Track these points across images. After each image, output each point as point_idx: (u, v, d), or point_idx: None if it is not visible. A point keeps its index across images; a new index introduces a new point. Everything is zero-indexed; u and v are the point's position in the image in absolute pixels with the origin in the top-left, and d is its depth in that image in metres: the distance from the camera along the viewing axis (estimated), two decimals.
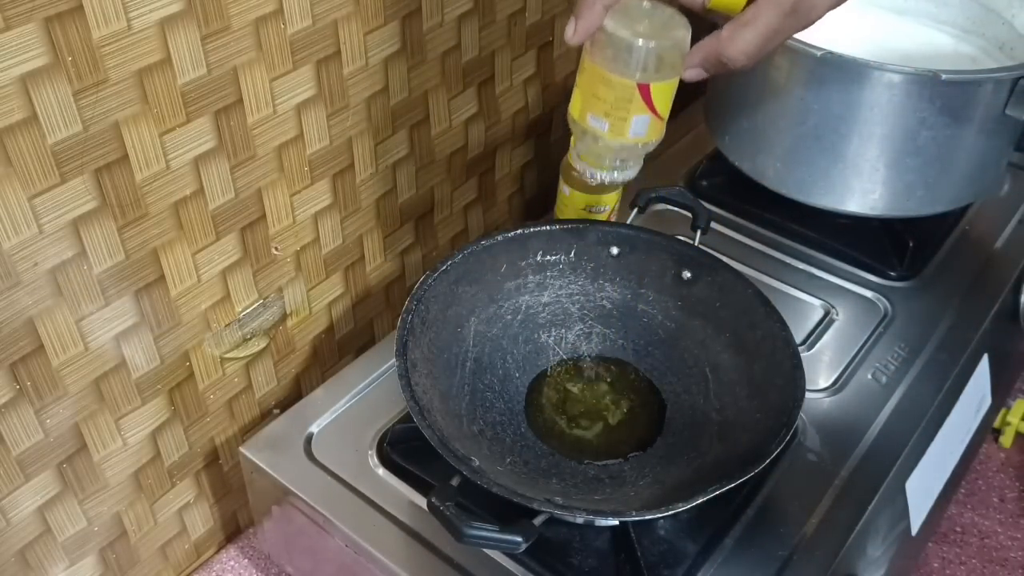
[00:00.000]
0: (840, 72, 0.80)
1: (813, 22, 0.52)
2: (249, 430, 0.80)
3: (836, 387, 0.78)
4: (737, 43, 0.52)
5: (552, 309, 0.77)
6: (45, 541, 0.67)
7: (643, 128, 0.58)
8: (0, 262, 0.56)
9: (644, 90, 0.56)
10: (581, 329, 0.77)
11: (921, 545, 0.86)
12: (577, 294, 0.77)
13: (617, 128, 0.59)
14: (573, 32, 0.55)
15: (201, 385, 0.74)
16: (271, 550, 0.80)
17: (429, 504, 0.59)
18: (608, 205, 0.87)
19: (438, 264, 0.72)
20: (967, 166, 0.85)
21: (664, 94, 0.57)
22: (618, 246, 0.77)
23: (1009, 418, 0.96)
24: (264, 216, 0.72)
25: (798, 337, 0.76)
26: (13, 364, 0.60)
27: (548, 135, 1.00)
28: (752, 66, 0.53)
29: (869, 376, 0.79)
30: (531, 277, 0.76)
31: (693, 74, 0.55)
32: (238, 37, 0.63)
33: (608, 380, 0.75)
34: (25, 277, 0.58)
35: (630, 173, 0.62)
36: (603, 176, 0.62)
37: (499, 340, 0.74)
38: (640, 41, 0.54)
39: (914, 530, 0.77)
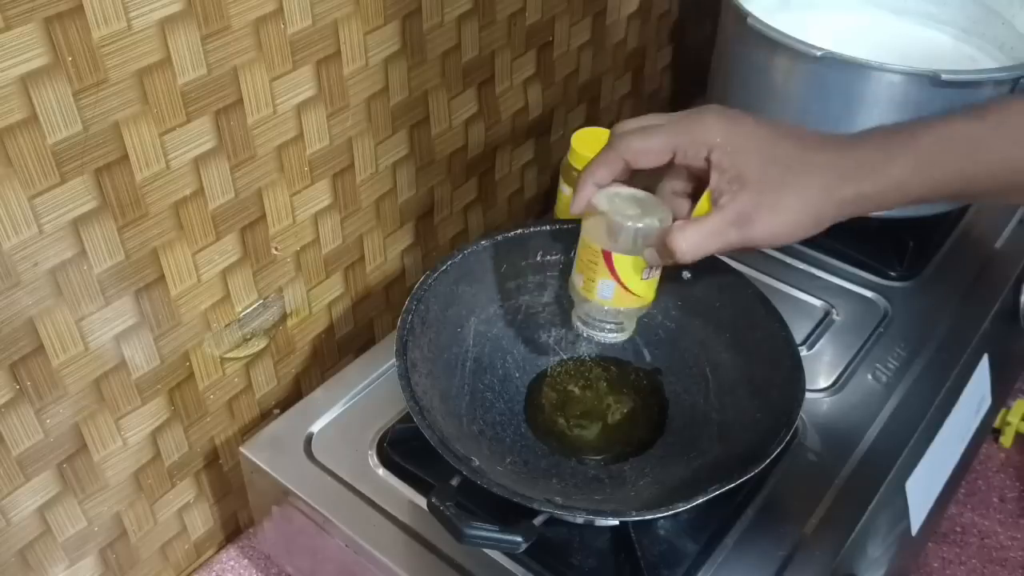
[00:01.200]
0: (840, 72, 0.80)
1: (755, 240, 0.57)
2: (249, 430, 0.80)
3: (836, 387, 0.78)
4: (684, 236, 0.57)
5: (552, 309, 0.77)
6: (45, 541, 0.67)
7: (609, 293, 0.63)
8: (0, 262, 0.56)
9: (607, 256, 0.61)
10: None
11: (921, 545, 0.86)
12: None
13: (588, 288, 0.64)
14: (573, 203, 0.61)
15: (201, 385, 0.74)
16: (271, 550, 0.80)
17: (429, 504, 0.59)
18: None
19: (438, 264, 0.72)
20: None
21: (626, 266, 0.61)
22: None
23: (1009, 418, 0.96)
24: (264, 216, 0.72)
25: (798, 337, 0.76)
26: (13, 364, 0.60)
27: (548, 135, 1.00)
28: (692, 260, 0.58)
29: (869, 376, 0.79)
30: (531, 277, 0.76)
31: (648, 255, 0.60)
32: (238, 37, 0.63)
33: (608, 380, 0.75)
34: (25, 277, 0.58)
35: (621, 336, 0.66)
36: (592, 334, 0.66)
37: (499, 340, 0.74)
38: (609, 215, 0.60)
39: (914, 530, 0.77)
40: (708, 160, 0.57)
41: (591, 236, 0.62)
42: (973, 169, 0.56)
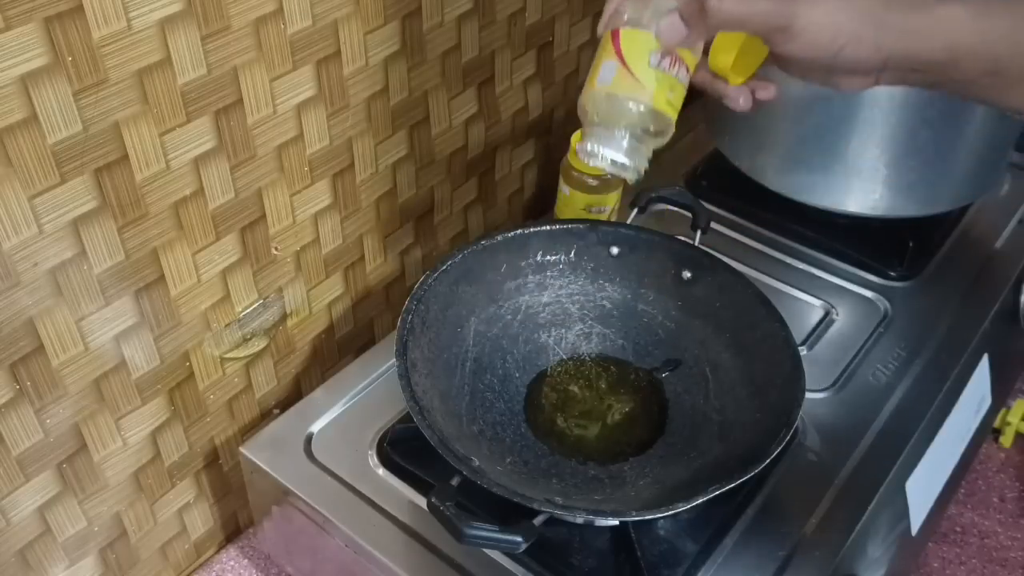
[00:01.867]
0: None
1: (790, 31, 0.51)
2: (249, 430, 0.80)
3: (836, 387, 0.78)
4: (727, 2, 0.51)
5: (552, 309, 0.77)
6: (45, 541, 0.67)
7: (609, 75, 0.55)
8: (0, 262, 0.56)
9: (615, 34, 0.55)
10: (581, 329, 0.77)
11: (921, 545, 0.86)
12: (577, 294, 0.77)
13: (591, 78, 0.56)
14: None
15: (201, 385, 0.74)
16: (271, 550, 0.80)
17: (429, 504, 0.59)
18: (608, 205, 0.87)
19: (438, 264, 0.72)
20: (967, 166, 0.85)
21: (633, 43, 0.54)
22: (618, 246, 0.77)
23: (1009, 418, 0.96)
24: (264, 216, 0.72)
25: (798, 337, 0.76)
26: (13, 364, 0.60)
27: (548, 135, 1.00)
28: (719, 25, 0.52)
29: (869, 376, 0.79)
30: (531, 277, 0.76)
31: (663, 26, 0.54)
32: (238, 37, 0.63)
33: (608, 380, 0.75)
34: (25, 277, 0.58)
35: (624, 155, 0.57)
36: (590, 145, 0.57)
37: (499, 340, 0.74)
38: None
39: (914, 530, 0.77)
40: None
41: (606, 15, 0.56)
42: None
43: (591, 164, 0.57)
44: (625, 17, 0.55)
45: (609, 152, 0.56)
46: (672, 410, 0.72)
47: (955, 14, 0.52)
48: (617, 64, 0.55)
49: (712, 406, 0.71)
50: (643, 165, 0.57)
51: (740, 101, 0.58)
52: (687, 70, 0.56)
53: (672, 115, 0.56)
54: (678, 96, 0.56)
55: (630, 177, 0.58)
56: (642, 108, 0.55)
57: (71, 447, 0.66)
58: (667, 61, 0.55)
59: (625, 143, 0.56)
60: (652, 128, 0.56)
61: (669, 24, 0.53)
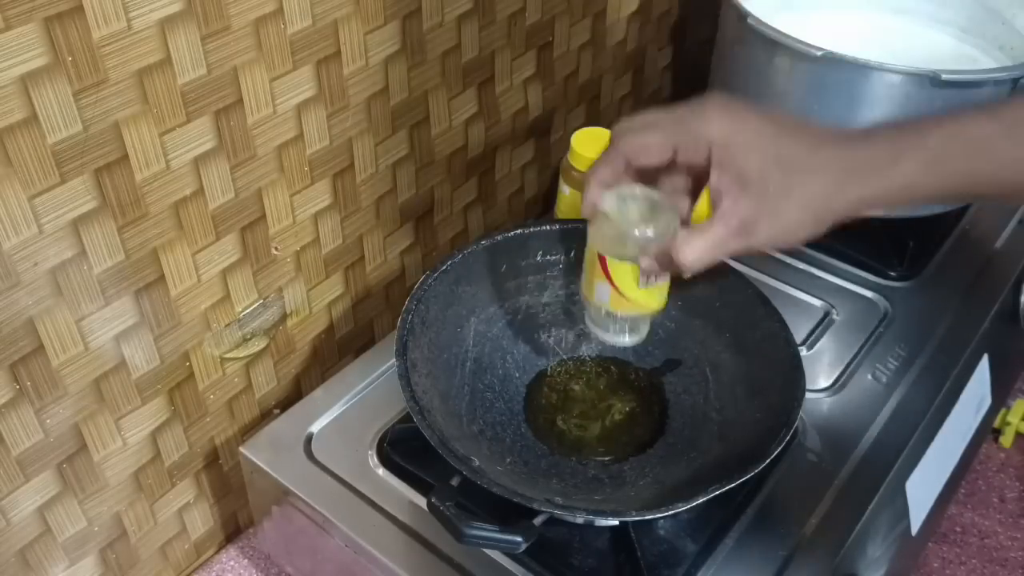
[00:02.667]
0: (840, 72, 0.80)
1: (758, 246, 0.56)
2: (249, 430, 0.80)
3: (836, 387, 0.78)
4: (688, 247, 0.56)
5: (552, 309, 0.77)
6: (45, 541, 0.67)
7: (605, 296, 0.62)
8: (0, 262, 0.56)
9: (602, 261, 0.61)
10: (581, 329, 0.77)
11: (921, 545, 0.86)
12: (577, 294, 0.77)
13: (588, 288, 0.64)
14: (582, 205, 0.61)
15: (201, 385, 0.74)
16: (271, 550, 0.80)
17: (429, 504, 0.59)
18: None
19: (438, 264, 0.72)
20: None
21: (622, 273, 0.61)
22: None
23: (1009, 418, 0.96)
24: (264, 216, 0.72)
25: (798, 337, 0.76)
26: (13, 364, 0.60)
27: (548, 135, 1.00)
28: (695, 271, 0.57)
29: (869, 376, 0.79)
30: (531, 277, 0.76)
31: (646, 264, 0.59)
32: (238, 37, 0.63)
33: (608, 380, 0.75)
34: (25, 277, 0.58)
35: (630, 340, 0.66)
36: (597, 333, 0.66)
37: (499, 340, 0.74)
38: (612, 220, 0.58)
39: (914, 530, 0.77)
40: (708, 158, 0.56)
41: (592, 238, 0.62)
42: (984, 169, 0.55)
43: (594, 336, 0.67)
44: (607, 236, 0.60)
45: (611, 340, 0.66)
46: (672, 410, 0.72)
47: (913, 170, 0.55)
48: (610, 289, 0.62)
49: (712, 406, 0.71)
50: (642, 338, 0.66)
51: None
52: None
53: (663, 304, 0.64)
54: (665, 289, 0.64)
55: (632, 344, 0.67)
56: (639, 315, 0.64)
57: (71, 447, 0.66)
58: (654, 279, 0.62)
59: (626, 335, 0.66)
60: (648, 317, 0.65)
61: (650, 269, 0.60)
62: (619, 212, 0.58)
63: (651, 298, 0.63)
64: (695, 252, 0.56)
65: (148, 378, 0.69)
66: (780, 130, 0.56)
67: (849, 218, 0.56)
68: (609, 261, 0.61)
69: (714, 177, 0.56)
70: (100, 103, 0.57)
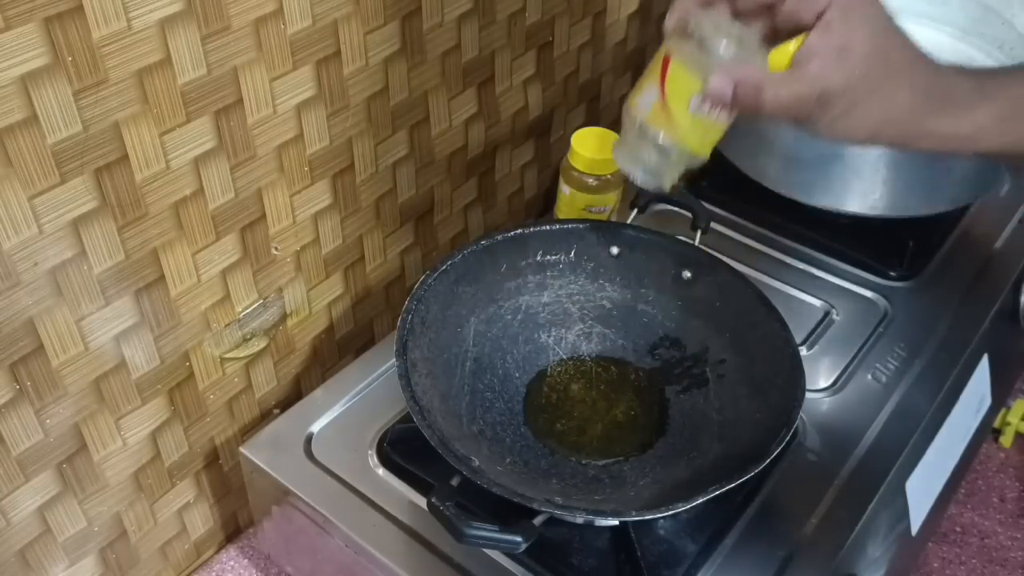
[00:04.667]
0: None
1: (821, 126, 0.54)
2: (249, 430, 0.80)
3: (836, 387, 0.78)
4: (774, 87, 0.53)
5: (552, 309, 0.77)
6: (45, 541, 0.67)
7: (647, 103, 0.55)
8: (0, 262, 0.56)
9: (665, 62, 0.55)
10: (581, 329, 0.77)
11: (921, 545, 0.86)
12: (577, 294, 0.77)
13: (634, 95, 0.57)
14: (668, 16, 0.56)
15: (201, 385, 0.74)
16: (271, 550, 0.80)
17: (429, 504, 0.59)
18: (608, 205, 0.87)
19: (438, 264, 0.72)
20: (967, 166, 0.85)
21: (679, 80, 0.54)
22: (618, 246, 0.77)
23: (1009, 418, 0.96)
24: (264, 216, 0.72)
25: (798, 337, 0.76)
26: (13, 364, 0.60)
27: (548, 135, 1.00)
28: (764, 112, 0.54)
29: (869, 376, 0.79)
30: (531, 277, 0.76)
31: (715, 81, 0.54)
32: (238, 37, 0.63)
33: (608, 380, 0.75)
34: (25, 277, 0.58)
35: (642, 175, 0.59)
36: (620, 156, 0.60)
37: (499, 340, 0.74)
38: (693, 21, 0.53)
39: (914, 530, 0.77)
40: (820, 14, 0.52)
41: (669, 40, 0.55)
42: None
43: (621, 169, 0.60)
44: (684, 47, 0.54)
45: (633, 170, 0.59)
46: (672, 410, 0.72)
47: (984, 121, 0.53)
48: (658, 95, 0.55)
49: (712, 406, 0.71)
50: (667, 183, 0.59)
51: None
52: (728, 114, 0.56)
53: (704, 152, 0.57)
54: (713, 136, 0.57)
55: (650, 188, 0.60)
56: (672, 144, 0.56)
57: (71, 447, 0.66)
58: (707, 106, 0.54)
59: (651, 167, 0.58)
60: (680, 159, 0.58)
61: (717, 89, 0.54)
62: (709, 29, 0.54)
63: (692, 129, 0.56)
64: (778, 94, 0.53)
65: (148, 378, 0.69)
66: (892, 30, 0.54)
67: (904, 145, 0.55)
68: (673, 65, 0.54)
69: (815, 36, 0.53)
70: (100, 103, 0.57)
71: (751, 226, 0.93)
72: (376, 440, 0.73)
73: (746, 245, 0.91)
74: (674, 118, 0.55)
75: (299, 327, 0.81)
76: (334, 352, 0.86)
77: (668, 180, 0.59)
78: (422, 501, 0.67)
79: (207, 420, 0.76)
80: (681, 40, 0.54)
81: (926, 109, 0.53)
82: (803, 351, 0.79)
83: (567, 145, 0.86)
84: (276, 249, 0.74)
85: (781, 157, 0.87)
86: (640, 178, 0.60)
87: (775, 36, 0.55)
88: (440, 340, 0.70)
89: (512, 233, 0.75)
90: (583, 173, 0.86)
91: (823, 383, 0.78)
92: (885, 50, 0.53)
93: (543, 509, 0.58)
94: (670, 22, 0.56)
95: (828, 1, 0.52)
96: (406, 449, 0.71)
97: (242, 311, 0.74)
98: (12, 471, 0.63)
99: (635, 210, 0.81)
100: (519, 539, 0.57)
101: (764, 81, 0.53)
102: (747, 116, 0.56)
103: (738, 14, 0.55)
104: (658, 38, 1.12)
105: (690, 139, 0.56)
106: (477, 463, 0.61)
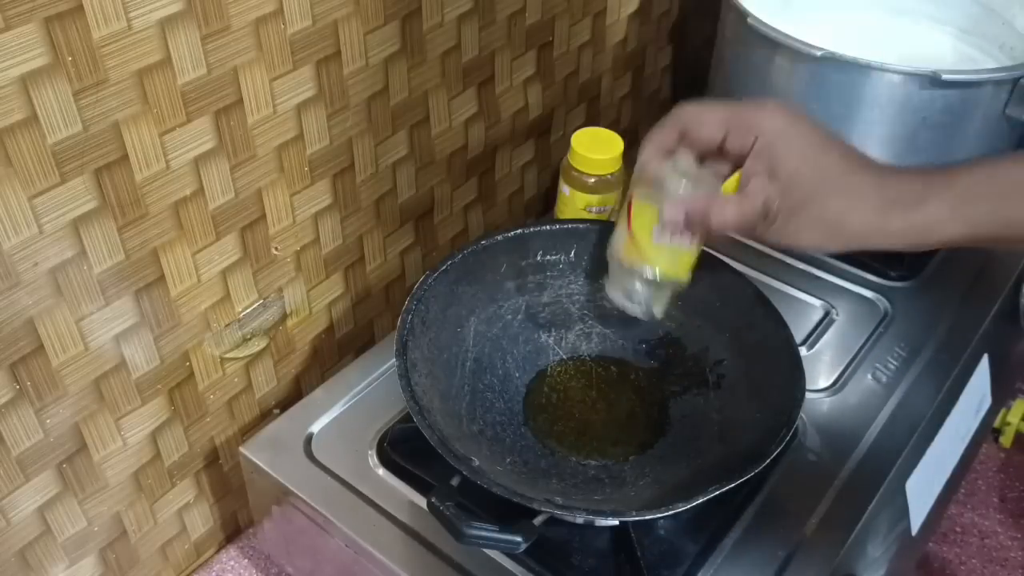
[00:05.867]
0: (840, 72, 0.80)
1: (770, 237, 0.58)
2: (249, 430, 0.80)
3: (836, 387, 0.78)
4: (722, 209, 0.58)
5: (552, 309, 0.77)
6: (45, 541, 0.67)
7: (620, 240, 0.63)
8: (0, 262, 0.56)
9: (629, 202, 0.61)
10: (581, 329, 0.77)
11: (921, 545, 0.86)
12: (577, 294, 0.77)
13: (616, 230, 0.64)
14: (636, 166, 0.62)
15: (201, 385, 0.74)
16: (271, 550, 0.80)
17: (429, 504, 0.59)
18: (608, 205, 0.87)
19: (438, 264, 0.72)
20: None
21: (642, 216, 0.61)
22: None
23: (1009, 418, 0.96)
24: (264, 216, 0.72)
25: (798, 337, 0.76)
26: (13, 364, 0.60)
27: (548, 135, 1.00)
28: (715, 233, 0.58)
29: (869, 376, 0.79)
30: (531, 277, 0.76)
31: (671, 213, 0.59)
32: (238, 37, 0.63)
33: (608, 380, 0.75)
34: (25, 277, 0.58)
35: (636, 308, 0.65)
36: (609, 291, 0.67)
37: (499, 340, 0.74)
38: (655, 170, 0.60)
39: (914, 530, 0.77)
40: (753, 143, 0.58)
41: (632, 186, 0.62)
42: (1013, 214, 0.55)
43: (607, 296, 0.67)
44: (645, 189, 0.61)
45: (620, 301, 0.65)
46: (672, 410, 0.72)
47: (938, 213, 0.56)
48: (627, 232, 0.62)
49: (712, 406, 0.71)
50: (658, 311, 0.65)
51: None
52: (687, 238, 0.61)
53: (680, 275, 0.63)
54: (685, 260, 0.63)
55: (643, 318, 0.66)
56: (647, 274, 0.63)
57: (71, 447, 0.66)
58: (667, 234, 0.60)
59: (634, 298, 0.64)
60: (662, 285, 0.64)
61: (672, 216, 0.60)
62: (668, 171, 0.60)
63: (659, 256, 0.62)
64: (724, 214, 0.57)
65: (148, 378, 0.69)
66: (827, 145, 0.58)
67: (861, 246, 0.57)
68: (636, 204, 0.61)
69: (749, 162, 0.58)
70: (100, 103, 0.57)
71: None
72: (376, 440, 0.73)
73: (746, 245, 0.91)
74: (642, 249, 0.62)
75: (299, 327, 0.81)
76: (334, 352, 0.86)
77: (659, 307, 0.65)
78: (422, 501, 0.67)
79: (207, 420, 0.76)
80: (644, 184, 0.61)
81: (872, 210, 0.56)
82: (803, 351, 0.79)
83: (567, 145, 0.86)
84: (276, 249, 0.74)
85: None
86: (631, 309, 0.66)
87: (734, 170, 0.61)
88: (440, 340, 0.70)
89: (512, 233, 0.75)
90: (583, 173, 0.86)
91: (823, 383, 0.78)
92: (817, 164, 0.57)
93: (543, 509, 0.58)
94: (636, 173, 0.62)
95: (759, 131, 0.58)
96: (406, 449, 0.71)
97: (242, 311, 0.74)
98: (12, 471, 0.63)
99: None
100: (519, 539, 0.57)
101: (710, 206, 0.58)
102: (708, 237, 0.61)
103: (701, 158, 0.61)
104: (657, 39, 1.12)
105: (661, 265, 0.62)
106: (477, 463, 0.61)
